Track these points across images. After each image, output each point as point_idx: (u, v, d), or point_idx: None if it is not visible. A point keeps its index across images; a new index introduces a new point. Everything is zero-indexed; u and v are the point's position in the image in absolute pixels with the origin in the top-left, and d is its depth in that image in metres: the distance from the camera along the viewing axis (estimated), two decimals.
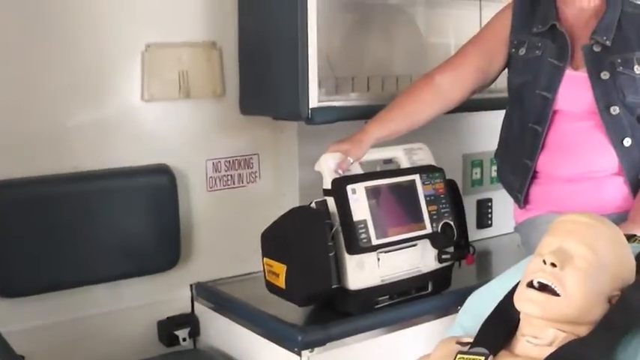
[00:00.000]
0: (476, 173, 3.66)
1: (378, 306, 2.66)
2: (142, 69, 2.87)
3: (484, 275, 2.77)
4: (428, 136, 2.93)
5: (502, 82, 2.91)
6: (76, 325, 2.80)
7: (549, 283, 1.89)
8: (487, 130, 3.15)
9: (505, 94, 2.89)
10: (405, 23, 3.51)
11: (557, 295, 1.89)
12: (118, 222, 2.82)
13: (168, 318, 2.99)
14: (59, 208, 2.72)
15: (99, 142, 2.83)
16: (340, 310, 2.62)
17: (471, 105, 3.03)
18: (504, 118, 2.90)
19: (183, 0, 2.95)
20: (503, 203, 3.14)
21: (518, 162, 2.77)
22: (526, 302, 1.93)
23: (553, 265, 1.90)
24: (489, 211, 3.71)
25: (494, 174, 3.37)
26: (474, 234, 3.51)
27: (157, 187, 2.90)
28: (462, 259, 2.80)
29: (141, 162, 2.90)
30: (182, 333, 2.98)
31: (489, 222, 3.72)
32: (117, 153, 2.86)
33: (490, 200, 3.71)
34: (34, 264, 2.67)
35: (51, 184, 2.72)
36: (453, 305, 2.48)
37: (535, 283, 1.92)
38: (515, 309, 1.97)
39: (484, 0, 3.48)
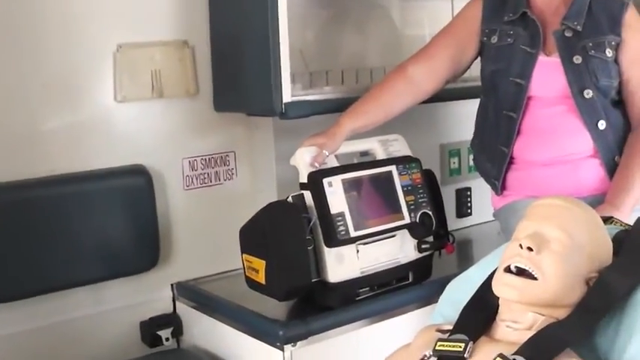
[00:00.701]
0: (454, 162, 3.67)
1: (359, 298, 2.66)
2: (114, 70, 2.86)
3: (465, 264, 2.76)
4: (405, 127, 2.95)
5: (477, 70, 2.91)
6: (58, 329, 2.79)
7: (526, 267, 1.90)
8: (464, 119, 3.16)
9: (480, 83, 2.89)
10: (378, 16, 3.52)
11: (535, 278, 1.89)
12: (96, 224, 2.81)
13: (150, 319, 2.98)
14: (36, 212, 2.70)
15: (74, 144, 2.82)
16: (321, 304, 2.62)
17: (446, 94, 3.05)
18: (479, 106, 2.91)
19: (153, 0, 2.95)
20: (482, 191, 3.15)
21: (494, 149, 2.78)
22: (504, 287, 1.93)
23: (530, 249, 1.90)
24: (468, 199, 3.72)
25: (472, 163, 3.37)
26: (454, 223, 3.52)
27: (134, 188, 2.89)
28: (441, 249, 2.82)
29: (117, 163, 2.88)
30: (165, 333, 2.97)
31: (469, 211, 3.73)
32: (92, 155, 2.85)
33: (469, 189, 3.72)
34: (13, 269, 2.65)
35: (27, 188, 2.71)
36: (434, 295, 2.47)
37: (512, 268, 1.92)
38: (494, 294, 1.98)
39: None
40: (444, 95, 3.01)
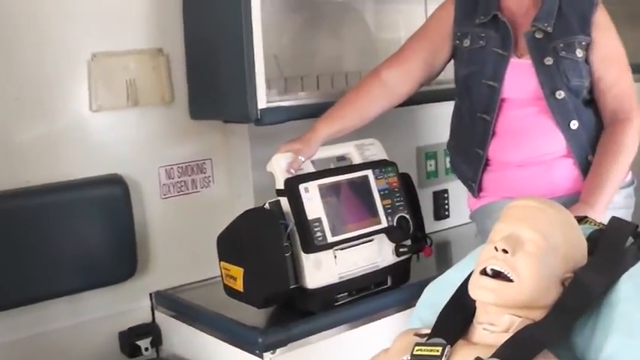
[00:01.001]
0: (430, 165, 3.68)
1: (338, 303, 2.66)
2: (88, 79, 2.85)
3: (443, 266, 2.76)
4: (381, 131, 2.95)
5: (452, 72, 2.92)
6: (36, 341, 2.77)
7: (502, 270, 1.90)
8: (440, 122, 3.16)
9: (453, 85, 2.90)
10: (353, 20, 3.53)
11: (511, 280, 1.90)
12: (73, 235, 2.80)
13: (129, 328, 2.97)
14: (12, 223, 2.69)
15: (50, 155, 2.81)
16: (300, 310, 2.62)
17: (422, 97, 3.06)
18: (454, 108, 2.93)
19: (127, 8, 2.93)
20: (459, 194, 3.15)
21: (470, 151, 2.79)
22: (480, 290, 1.94)
23: (505, 251, 1.91)
24: (446, 202, 3.73)
25: (448, 165, 3.38)
26: (432, 226, 3.54)
27: (111, 198, 2.88)
28: (419, 252, 2.81)
29: (93, 173, 2.87)
30: (144, 343, 2.96)
31: (446, 213, 3.73)
32: (68, 165, 2.84)
33: (446, 191, 3.73)
34: None
35: (3, 199, 2.69)
36: (413, 298, 2.46)
37: (488, 271, 1.93)
38: (471, 297, 1.98)
39: None
40: (419, 98, 3.03)
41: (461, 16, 2.81)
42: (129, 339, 2.95)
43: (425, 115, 3.58)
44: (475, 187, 2.83)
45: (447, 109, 2.98)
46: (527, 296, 1.89)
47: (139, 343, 2.95)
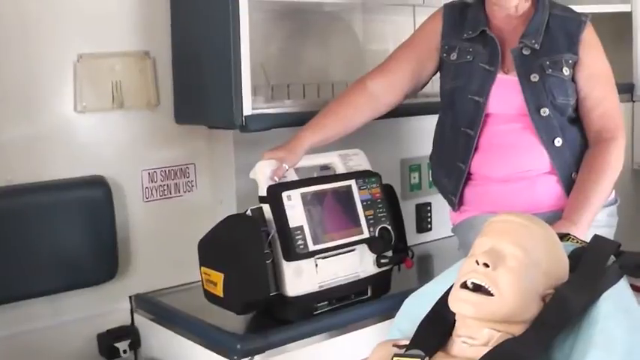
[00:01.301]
0: (414, 177, 3.67)
1: (318, 312, 2.66)
2: (74, 80, 2.85)
3: (424, 279, 2.76)
4: (366, 142, 2.96)
5: (438, 86, 2.92)
6: (13, 341, 2.76)
7: (482, 284, 1.91)
8: (425, 135, 3.15)
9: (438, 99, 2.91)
10: (341, 30, 3.53)
11: (491, 295, 1.90)
12: (54, 235, 2.79)
13: (108, 331, 2.96)
14: None
15: (33, 154, 2.80)
16: (279, 317, 2.61)
17: (408, 110, 3.08)
18: (437, 122, 2.93)
19: (115, 10, 2.93)
20: (442, 207, 3.14)
21: (452, 165, 2.79)
22: (460, 303, 1.94)
23: (486, 265, 1.91)
24: (429, 215, 3.72)
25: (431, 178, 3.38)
26: (414, 238, 3.53)
27: (93, 199, 2.87)
28: (400, 263, 2.81)
29: (76, 174, 2.86)
30: (122, 345, 2.94)
31: (429, 226, 3.73)
32: (51, 165, 2.83)
33: (429, 204, 3.72)
34: None
35: None
36: (393, 309, 2.45)
37: (469, 284, 1.93)
38: (451, 310, 1.98)
39: (418, 6, 3.50)
40: (405, 110, 3.04)
41: (449, 30, 2.82)
42: (107, 341, 2.94)
43: (410, 128, 3.58)
44: (455, 200, 2.83)
45: (432, 122, 2.98)
46: (507, 311, 1.89)
47: (117, 345, 2.94)
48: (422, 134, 3.41)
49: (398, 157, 3.63)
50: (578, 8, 2.84)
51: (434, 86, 2.98)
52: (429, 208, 3.72)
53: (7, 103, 2.73)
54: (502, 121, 2.70)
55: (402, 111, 2.99)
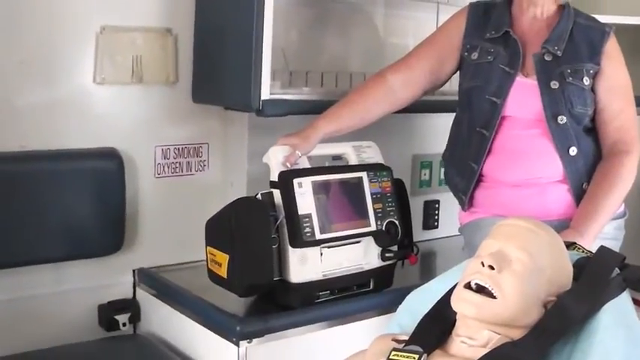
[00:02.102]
0: (425, 174, 3.68)
1: (319, 300, 2.67)
2: (95, 51, 2.85)
3: (427, 275, 2.78)
4: (379, 135, 2.95)
5: (457, 84, 2.92)
6: (16, 304, 2.79)
7: (486, 285, 1.91)
8: (438, 132, 3.16)
9: (456, 97, 2.91)
10: (363, 22, 3.53)
11: (494, 297, 1.90)
12: (64, 204, 2.80)
13: (109, 302, 2.97)
14: (3, 186, 2.69)
15: (48, 122, 2.81)
16: (281, 303, 2.62)
17: (424, 106, 3.07)
18: (454, 120, 2.92)
19: None
20: (450, 205, 3.15)
21: (465, 164, 2.79)
22: (462, 303, 1.94)
23: (491, 267, 1.91)
24: (436, 212, 3.73)
25: (442, 176, 3.38)
26: (420, 234, 3.54)
27: (105, 171, 2.88)
28: (405, 259, 2.81)
29: (89, 145, 2.88)
30: (122, 318, 2.96)
31: (436, 223, 3.74)
32: (65, 134, 2.84)
33: (437, 202, 3.73)
34: None
35: None
36: (394, 304, 2.46)
37: (473, 285, 1.93)
38: (452, 309, 1.99)
39: (442, 4, 3.50)
40: (421, 106, 3.03)
41: (472, 29, 2.81)
42: (108, 313, 2.96)
43: (425, 124, 3.58)
44: (466, 200, 2.83)
45: (447, 120, 2.97)
46: (508, 314, 1.90)
47: (117, 317, 2.96)
48: (436, 131, 3.42)
49: (410, 152, 3.63)
50: (600, 18, 2.84)
51: (452, 84, 2.98)
52: (437, 205, 3.73)
53: (28, 68, 2.74)
54: (518, 125, 2.70)
55: (417, 107, 2.98)
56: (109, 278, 2.98)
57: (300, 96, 2.98)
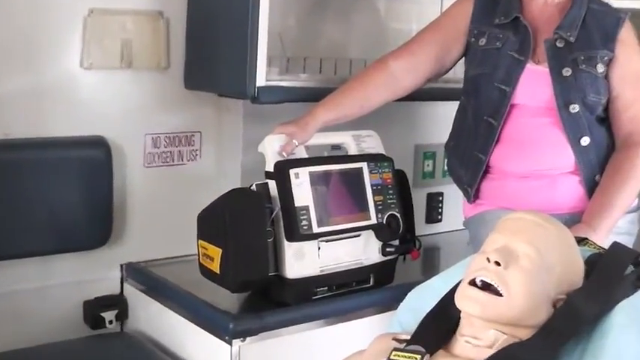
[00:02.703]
0: (428, 165, 3.66)
1: (316, 297, 2.65)
2: (83, 35, 2.83)
3: (429, 271, 2.77)
4: (380, 124, 2.93)
5: (462, 72, 2.90)
6: (0, 300, 2.77)
7: (492, 282, 1.88)
8: (442, 121, 3.14)
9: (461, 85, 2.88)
10: (363, 5, 3.51)
11: (500, 295, 1.88)
12: (48, 194, 2.79)
13: (95, 298, 2.96)
14: None
15: (32, 109, 2.79)
16: (276, 299, 2.61)
17: (427, 94, 3.05)
18: (458, 108, 2.91)
19: None
20: (454, 198, 3.14)
21: (470, 155, 2.77)
22: (467, 301, 1.92)
23: (497, 263, 1.89)
24: (440, 205, 3.71)
25: (447, 167, 3.37)
26: (423, 228, 3.52)
27: (92, 160, 2.86)
28: (406, 254, 2.80)
29: (76, 133, 2.85)
30: (109, 315, 2.95)
31: (439, 217, 3.72)
32: (51, 121, 2.82)
33: (441, 194, 3.71)
34: None
35: None
36: (394, 301, 2.44)
37: (478, 282, 1.91)
38: (456, 307, 1.96)
39: None
40: (424, 94, 3.01)
41: (480, 14, 2.78)
42: (93, 309, 2.95)
43: (428, 113, 3.56)
44: (471, 192, 2.80)
45: (451, 108, 2.95)
46: (515, 313, 1.87)
47: (103, 314, 2.95)
48: (439, 120, 3.40)
49: (412, 142, 3.62)
50: (614, 4, 2.81)
51: (455, 72, 2.96)
52: (440, 198, 3.71)
53: (11, 52, 2.72)
54: (528, 114, 2.67)
55: (420, 95, 2.95)
56: (95, 273, 2.96)
57: (297, 83, 2.97)
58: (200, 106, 3.11)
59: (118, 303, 2.99)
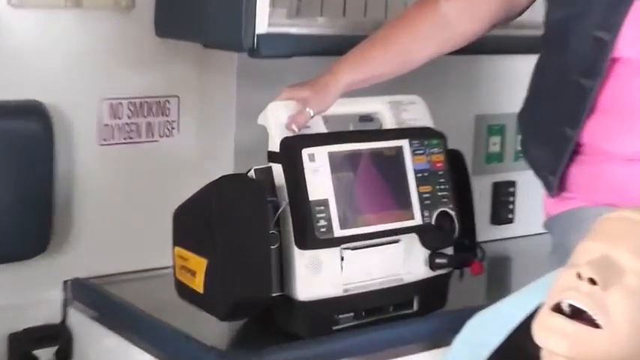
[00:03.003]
0: (494, 144, 3.69)
1: (339, 327, 2.67)
2: None
3: (496, 292, 2.78)
4: (427, 87, 2.99)
5: (540, 13, 2.90)
6: None
7: (586, 308, 1.89)
8: (514, 83, 3.17)
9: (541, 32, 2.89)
10: None
11: (597, 326, 1.88)
12: None
13: (25, 330, 2.97)
14: None
15: None
16: (282, 330, 2.63)
17: (492, 45, 3.06)
18: (536, 65, 2.89)
19: None
20: (532, 190, 3.13)
21: (553, 130, 2.76)
22: (550, 334, 1.92)
23: (592, 281, 1.89)
24: (511, 199, 3.76)
25: (520, 146, 3.39)
26: (487, 232, 3.56)
27: (24, 134, 2.86)
28: (464, 267, 2.83)
29: (3, 96, 2.86)
30: (45, 353, 2.97)
31: (510, 216, 3.77)
32: None
33: (513, 184, 3.76)
34: None
35: None
36: (447, 332, 2.46)
37: (565, 307, 1.91)
38: (535, 343, 1.97)
39: None
40: (488, 46, 3.04)
41: None
42: (22, 346, 2.96)
43: (493, 72, 3.60)
44: (554, 182, 2.80)
45: (528, 65, 2.94)
46: (618, 351, 1.88)
47: (36, 352, 2.96)
48: (510, 82, 3.44)
49: (472, 112, 3.66)
50: None
51: (533, 13, 2.96)
52: (512, 190, 3.76)
53: None
54: (636, 72, 2.67)
55: (483, 46, 2.99)
56: (26, 294, 2.99)
57: (312, 29, 2.99)
58: (177, 61, 3.15)
59: (58, 336, 3.00)
